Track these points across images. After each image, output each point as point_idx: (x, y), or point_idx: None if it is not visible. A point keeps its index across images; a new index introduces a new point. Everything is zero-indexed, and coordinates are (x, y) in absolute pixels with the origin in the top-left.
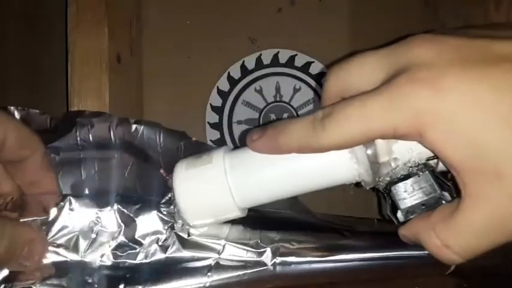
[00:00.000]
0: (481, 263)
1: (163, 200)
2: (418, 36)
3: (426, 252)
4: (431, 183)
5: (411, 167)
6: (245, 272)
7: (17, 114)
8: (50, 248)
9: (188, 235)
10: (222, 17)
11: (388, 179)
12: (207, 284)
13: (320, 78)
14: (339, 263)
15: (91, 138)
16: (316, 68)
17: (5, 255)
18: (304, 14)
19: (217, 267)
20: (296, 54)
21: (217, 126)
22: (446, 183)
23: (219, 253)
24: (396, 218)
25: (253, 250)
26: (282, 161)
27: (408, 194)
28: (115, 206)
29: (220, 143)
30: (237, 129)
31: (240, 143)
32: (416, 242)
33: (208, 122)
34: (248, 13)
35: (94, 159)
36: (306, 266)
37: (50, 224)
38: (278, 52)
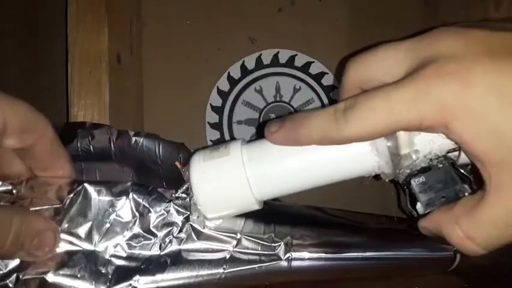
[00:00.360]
0: (481, 263)
1: (178, 192)
2: (444, 29)
3: (428, 252)
4: (452, 176)
5: (431, 159)
6: (259, 265)
7: None
8: (63, 237)
9: (202, 227)
10: (222, 17)
11: (408, 171)
12: (222, 276)
13: (320, 78)
14: (349, 261)
15: (92, 149)
16: (316, 68)
17: (12, 248)
18: (304, 14)
19: (232, 260)
20: (296, 54)
21: (217, 126)
22: (466, 175)
23: (234, 246)
24: (416, 210)
25: (268, 244)
26: (301, 153)
27: (428, 186)
28: (131, 196)
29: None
30: (237, 129)
31: (258, 135)
32: (437, 233)
33: (208, 122)
34: (248, 13)
35: (95, 170)
36: (318, 262)
37: (64, 212)
38: (278, 52)
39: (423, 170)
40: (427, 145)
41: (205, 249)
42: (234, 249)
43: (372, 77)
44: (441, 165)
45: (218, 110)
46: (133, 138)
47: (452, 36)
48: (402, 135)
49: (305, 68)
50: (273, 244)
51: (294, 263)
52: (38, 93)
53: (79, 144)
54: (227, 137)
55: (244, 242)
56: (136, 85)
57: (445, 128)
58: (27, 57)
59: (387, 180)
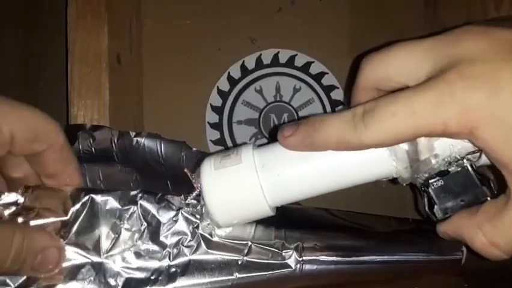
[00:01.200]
0: (482, 264)
1: (188, 199)
2: (467, 29)
3: (436, 255)
4: (471, 179)
5: (450, 162)
6: (270, 272)
7: None
8: (71, 249)
9: (212, 236)
10: (222, 17)
11: (426, 175)
12: (234, 282)
13: (320, 78)
14: (357, 265)
15: (93, 151)
16: (316, 68)
17: (13, 265)
18: (304, 14)
19: (243, 267)
20: (296, 54)
21: (217, 126)
22: (486, 178)
23: (244, 254)
24: (434, 215)
25: (278, 251)
26: (316, 158)
27: (447, 190)
28: (139, 204)
29: (220, 143)
30: (237, 129)
31: (271, 138)
32: (457, 238)
33: (208, 122)
34: (248, 13)
35: (98, 171)
36: (329, 267)
37: (70, 224)
38: (278, 52)
39: (442, 174)
40: (447, 149)
41: (215, 258)
42: (245, 258)
43: (390, 77)
44: (460, 168)
45: (218, 110)
46: (134, 139)
47: (475, 37)
48: (422, 140)
49: (305, 68)
50: (284, 251)
51: (305, 269)
52: (38, 93)
53: (80, 147)
54: (227, 137)
55: (255, 250)
56: (136, 85)
57: (470, 135)
58: (27, 56)
59: (404, 185)
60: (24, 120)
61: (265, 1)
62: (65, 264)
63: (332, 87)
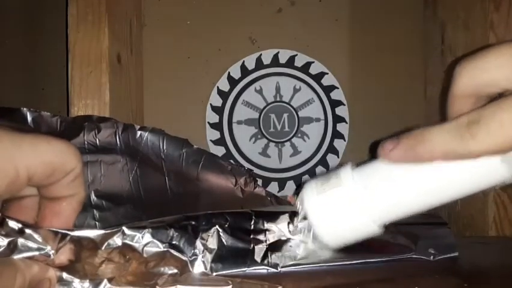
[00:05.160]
0: (481, 263)
1: (295, 223)
2: None
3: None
4: None
5: None
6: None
7: (29, 116)
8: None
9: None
10: (222, 17)
11: None
12: None
13: (320, 78)
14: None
15: (97, 142)
16: (316, 68)
17: None
18: (304, 14)
19: None
20: (296, 54)
21: (217, 126)
22: None
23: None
24: None
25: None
26: (421, 171)
27: None
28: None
29: (220, 143)
30: (237, 129)
31: (371, 154)
32: None
33: (208, 122)
34: (248, 13)
35: (100, 163)
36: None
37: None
38: (278, 52)
39: None
40: None
41: None
42: None
43: (490, 83)
44: None
45: (218, 110)
46: (138, 132)
47: None
48: None
49: (305, 68)
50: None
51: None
52: (39, 93)
53: (85, 138)
54: (227, 137)
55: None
56: (136, 85)
57: None
58: (28, 57)
59: None
60: (41, 157)
61: (265, 1)
62: None
63: (331, 87)
